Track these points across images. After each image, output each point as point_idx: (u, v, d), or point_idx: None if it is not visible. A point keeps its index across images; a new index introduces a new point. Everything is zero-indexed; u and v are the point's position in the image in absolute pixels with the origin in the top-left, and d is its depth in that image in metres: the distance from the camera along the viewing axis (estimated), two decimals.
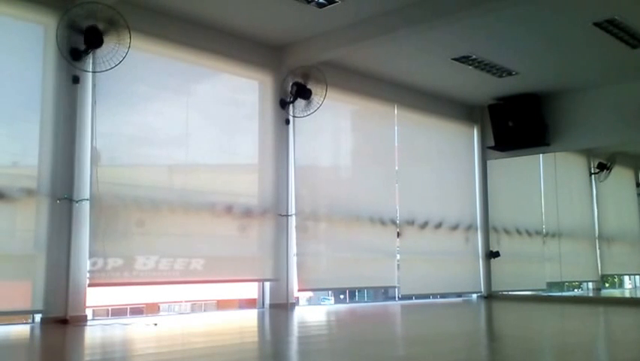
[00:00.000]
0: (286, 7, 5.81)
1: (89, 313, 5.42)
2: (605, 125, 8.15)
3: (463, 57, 7.07)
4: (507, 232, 9.16)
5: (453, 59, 7.13)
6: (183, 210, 5.92)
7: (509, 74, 7.65)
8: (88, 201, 5.26)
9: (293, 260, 6.75)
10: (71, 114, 5.27)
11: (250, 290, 6.99)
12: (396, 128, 8.19)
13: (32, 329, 4.92)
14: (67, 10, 5.09)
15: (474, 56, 7.06)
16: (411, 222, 8.17)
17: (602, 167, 9.42)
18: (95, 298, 6.41)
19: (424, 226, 8.35)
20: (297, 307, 6.87)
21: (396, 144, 8.19)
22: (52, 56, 5.24)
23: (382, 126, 8.07)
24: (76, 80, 5.24)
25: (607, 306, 7.82)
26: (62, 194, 5.14)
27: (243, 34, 6.48)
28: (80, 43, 5.16)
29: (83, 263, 5.21)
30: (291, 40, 6.72)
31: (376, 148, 7.99)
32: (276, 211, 6.69)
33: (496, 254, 9.04)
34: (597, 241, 9.39)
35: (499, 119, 8.68)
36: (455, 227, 8.79)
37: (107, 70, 5.16)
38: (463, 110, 9.14)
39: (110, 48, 5.13)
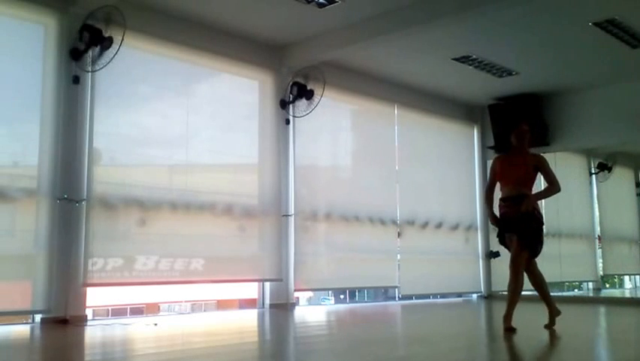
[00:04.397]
0: (286, 7, 5.81)
1: (89, 313, 5.42)
2: (605, 125, 8.14)
3: (463, 57, 7.07)
4: None
5: (453, 59, 7.13)
6: (183, 210, 5.92)
7: (509, 74, 7.65)
8: (88, 201, 5.26)
9: (293, 260, 6.75)
10: (71, 114, 5.26)
11: (250, 290, 7.00)
12: (396, 128, 8.19)
13: (32, 329, 4.92)
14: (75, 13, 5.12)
15: (474, 56, 7.06)
16: (411, 222, 8.17)
17: (602, 167, 9.43)
18: (95, 298, 6.41)
19: (424, 226, 8.35)
20: (297, 308, 6.87)
21: (396, 144, 8.19)
22: (52, 56, 5.24)
23: (382, 126, 8.07)
24: (76, 80, 5.24)
25: (607, 306, 7.81)
26: (62, 194, 5.14)
27: (243, 34, 6.48)
28: (80, 42, 5.17)
29: (83, 263, 5.21)
30: (291, 40, 6.72)
31: (376, 148, 7.99)
32: (276, 211, 6.69)
33: (496, 254, 9.03)
34: (597, 241, 9.40)
35: (499, 119, 8.68)
36: (455, 227, 8.79)
37: (101, 67, 5.16)
38: (463, 110, 9.14)
39: (110, 47, 5.13)
